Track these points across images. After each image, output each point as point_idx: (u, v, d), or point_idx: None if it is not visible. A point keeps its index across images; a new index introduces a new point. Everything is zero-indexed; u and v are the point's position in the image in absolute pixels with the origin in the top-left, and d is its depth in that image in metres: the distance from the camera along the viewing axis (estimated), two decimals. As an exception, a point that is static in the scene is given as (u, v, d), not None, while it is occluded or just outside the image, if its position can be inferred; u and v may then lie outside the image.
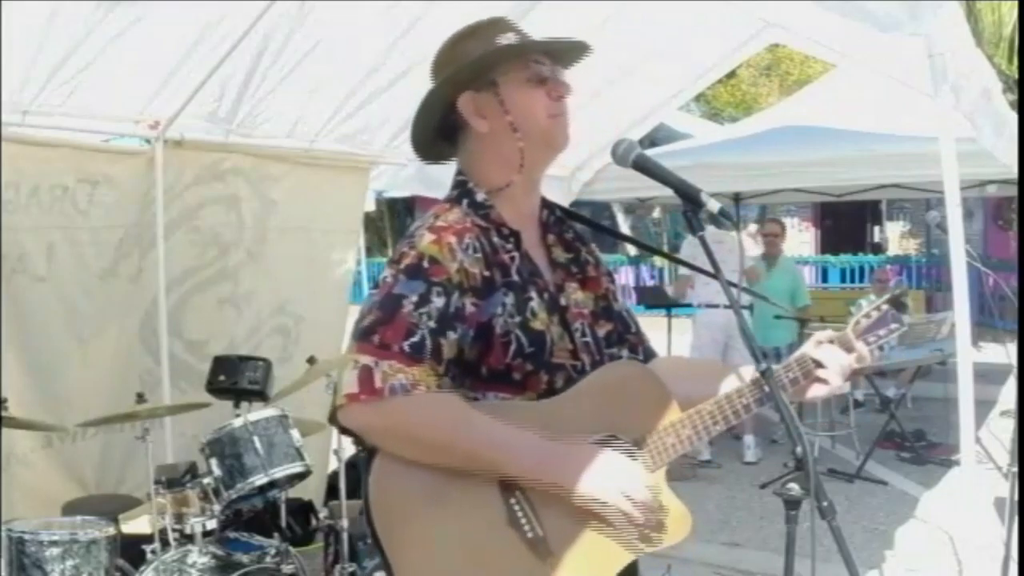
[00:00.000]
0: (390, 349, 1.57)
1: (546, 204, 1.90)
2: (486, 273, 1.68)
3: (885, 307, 1.82)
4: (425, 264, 1.63)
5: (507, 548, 1.59)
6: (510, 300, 1.69)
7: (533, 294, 1.74)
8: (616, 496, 1.59)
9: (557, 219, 1.91)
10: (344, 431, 1.63)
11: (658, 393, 1.74)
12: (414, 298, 1.60)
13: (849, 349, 1.77)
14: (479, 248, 1.69)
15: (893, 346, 5.76)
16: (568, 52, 1.83)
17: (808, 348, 1.79)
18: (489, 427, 1.59)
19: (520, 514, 1.61)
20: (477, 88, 1.75)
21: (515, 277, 1.73)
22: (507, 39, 1.77)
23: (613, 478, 1.60)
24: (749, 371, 1.77)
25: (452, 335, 1.62)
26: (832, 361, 1.75)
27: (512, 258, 1.74)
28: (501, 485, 1.61)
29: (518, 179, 1.79)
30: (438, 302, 1.61)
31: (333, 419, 1.60)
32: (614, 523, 1.61)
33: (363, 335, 1.60)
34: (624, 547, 1.63)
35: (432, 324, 1.60)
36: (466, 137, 1.80)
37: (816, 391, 1.78)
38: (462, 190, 1.80)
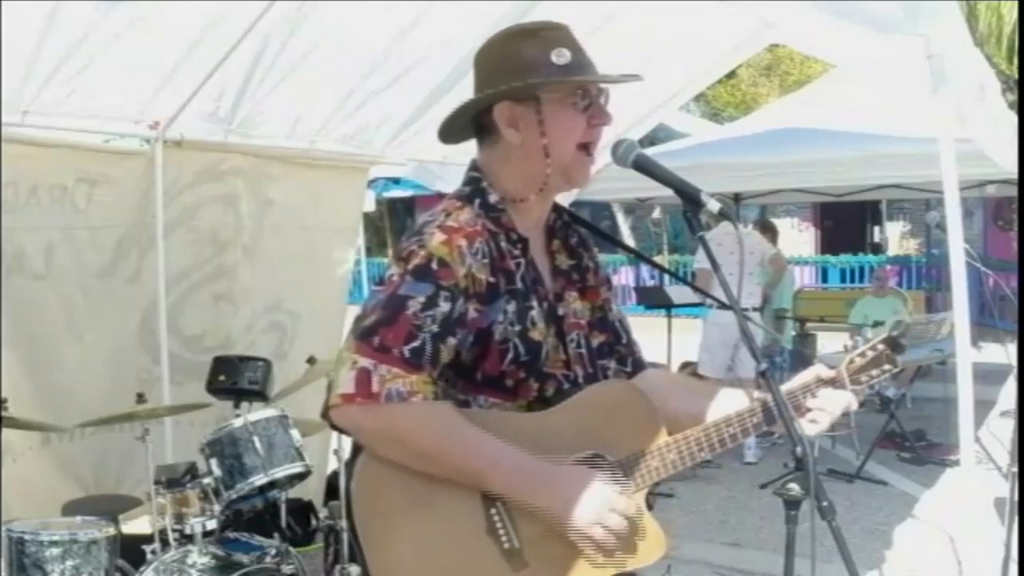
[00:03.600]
0: (390, 353, 1.56)
1: (555, 207, 1.88)
2: (491, 279, 1.67)
3: (881, 347, 1.81)
4: (434, 266, 1.61)
5: (483, 556, 1.60)
6: (512, 308, 1.69)
7: (534, 303, 1.73)
8: (590, 525, 1.59)
9: (563, 223, 1.89)
10: (336, 428, 1.63)
11: (648, 415, 1.73)
12: (421, 299, 1.59)
13: (841, 389, 1.78)
14: (487, 253, 1.67)
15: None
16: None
17: (800, 386, 1.78)
18: (480, 441, 1.59)
19: (499, 524, 1.61)
20: (518, 99, 1.71)
21: (519, 284, 1.72)
22: (562, 56, 1.70)
23: (590, 505, 1.59)
24: (741, 395, 1.77)
25: (452, 340, 1.61)
26: (824, 402, 1.76)
27: (518, 264, 1.73)
28: (483, 494, 1.61)
29: (535, 197, 1.78)
30: (444, 307, 1.60)
31: (326, 415, 1.60)
32: (584, 550, 1.61)
33: (363, 335, 1.58)
34: (593, 566, 1.63)
35: (435, 328, 1.59)
36: (494, 140, 1.76)
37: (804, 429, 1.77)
38: (475, 188, 1.76)
